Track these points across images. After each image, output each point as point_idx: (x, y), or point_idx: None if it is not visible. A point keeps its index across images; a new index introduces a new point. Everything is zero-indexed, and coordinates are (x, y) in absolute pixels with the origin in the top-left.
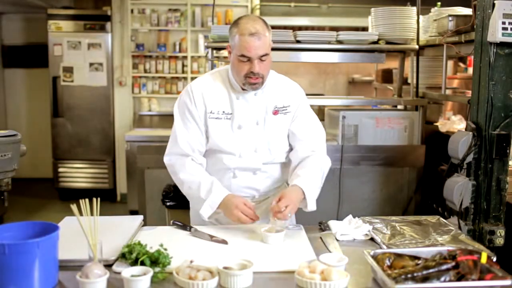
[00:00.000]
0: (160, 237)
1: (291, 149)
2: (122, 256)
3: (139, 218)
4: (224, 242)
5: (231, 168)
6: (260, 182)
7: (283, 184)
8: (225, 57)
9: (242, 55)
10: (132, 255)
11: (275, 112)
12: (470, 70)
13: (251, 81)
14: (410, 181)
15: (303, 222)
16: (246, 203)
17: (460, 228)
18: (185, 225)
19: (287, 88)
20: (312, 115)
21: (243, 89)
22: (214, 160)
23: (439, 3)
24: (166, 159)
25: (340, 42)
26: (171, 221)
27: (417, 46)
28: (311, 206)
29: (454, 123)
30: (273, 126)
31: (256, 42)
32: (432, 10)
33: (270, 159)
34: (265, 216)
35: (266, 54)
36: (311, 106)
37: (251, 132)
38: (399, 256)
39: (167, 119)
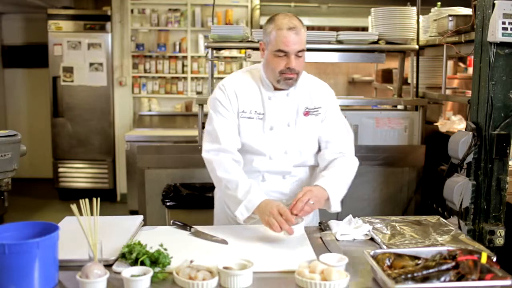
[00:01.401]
0: (160, 237)
1: (319, 151)
2: (122, 256)
3: (139, 218)
4: (224, 242)
5: (260, 171)
6: (289, 186)
7: None
8: (225, 57)
9: (279, 50)
10: (132, 255)
11: (306, 113)
12: (470, 70)
13: (286, 76)
14: (410, 181)
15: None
16: (282, 212)
17: (460, 228)
18: (185, 225)
19: (318, 89)
20: (341, 118)
21: (275, 89)
22: (244, 162)
23: (439, 3)
24: (205, 155)
25: (340, 42)
26: (171, 221)
27: (417, 46)
28: (335, 207)
29: (454, 123)
30: (304, 128)
31: (294, 37)
32: (432, 10)
33: (300, 161)
34: None
35: (302, 50)
36: None
37: (282, 134)
38: (399, 256)
39: (167, 119)
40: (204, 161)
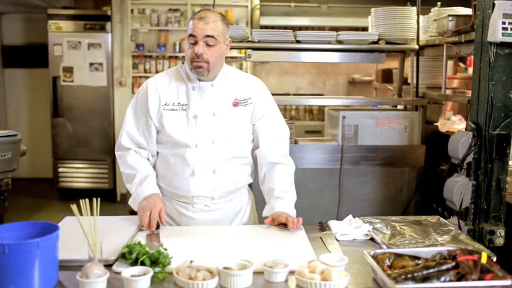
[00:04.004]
0: (160, 237)
1: (253, 147)
2: (122, 256)
3: None
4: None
5: (190, 164)
6: (220, 182)
7: (244, 186)
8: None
9: (190, 35)
10: (132, 255)
11: (235, 104)
12: (470, 70)
13: (195, 64)
14: (410, 181)
15: (303, 222)
16: (160, 213)
17: (460, 228)
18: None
19: (247, 81)
20: (278, 114)
21: (199, 80)
22: (174, 157)
23: (439, 3)
24: (116, 154)
25: (340, 42)
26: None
27: (417, 46)
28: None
29: (454, 123)
30: (232, 118)
31: (202, 24)
32: (432, 10)
33: (229, 153)
34: (224, 219)
35: (212, 37)
36: (311, 106)
37: (208, 122)
38: (399, 256)
39: None
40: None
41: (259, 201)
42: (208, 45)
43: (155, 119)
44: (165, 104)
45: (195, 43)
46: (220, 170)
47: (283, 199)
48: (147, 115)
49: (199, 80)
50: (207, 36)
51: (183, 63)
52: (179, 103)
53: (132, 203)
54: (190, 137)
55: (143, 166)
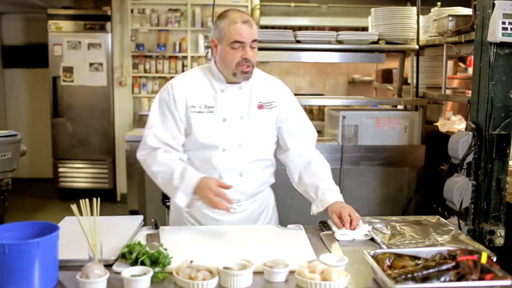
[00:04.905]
0: (160, 237)
1: (276, 149)
2: (122, 256)
3: (139, 218)
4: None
5: (217, 168)
6: (246, 184)
7: (268, 187)
8: None
9: (235, 41)
10: (132, 255)
11: (260, 107)
12: (470, 70)
13: (243, 69)
14: (410, 181)
15: (303, 222)
16: (221, 184)
17: (460, 228)
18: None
19: (272, 84)
20: (303, 114)
21: (228, 82)
22: (200, 160)
23: (439, 3)
24: (138, 155)
25: (340, 42)
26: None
27: (417, 46)
28: None
29: (454, 123)
30: (257, 121)
31: (248, 29)
32: (432, 10)
33: (255, 156)
34: (249, 219)
35: (255, 41)
36: (311, 106)
37: (236, 126)
38: (399, 256)
39: None
40: (139, 162)
41: (279, 201)
42: (251, 48)
43: (184, 121)
44: (192, 106)
45: (240, 47)
46: (246, 173)
47: (332, 190)
48: (177, 117)
49: (228, 82)
50: (253, 40)
51: (183, 63)
52: (205, 105)
53: (182, 200)
54: (218, 141)
55: (178, 162)
